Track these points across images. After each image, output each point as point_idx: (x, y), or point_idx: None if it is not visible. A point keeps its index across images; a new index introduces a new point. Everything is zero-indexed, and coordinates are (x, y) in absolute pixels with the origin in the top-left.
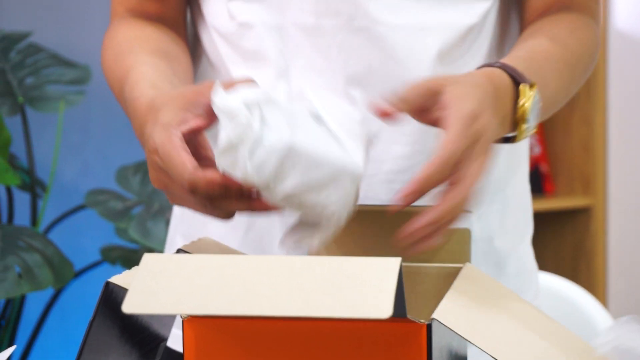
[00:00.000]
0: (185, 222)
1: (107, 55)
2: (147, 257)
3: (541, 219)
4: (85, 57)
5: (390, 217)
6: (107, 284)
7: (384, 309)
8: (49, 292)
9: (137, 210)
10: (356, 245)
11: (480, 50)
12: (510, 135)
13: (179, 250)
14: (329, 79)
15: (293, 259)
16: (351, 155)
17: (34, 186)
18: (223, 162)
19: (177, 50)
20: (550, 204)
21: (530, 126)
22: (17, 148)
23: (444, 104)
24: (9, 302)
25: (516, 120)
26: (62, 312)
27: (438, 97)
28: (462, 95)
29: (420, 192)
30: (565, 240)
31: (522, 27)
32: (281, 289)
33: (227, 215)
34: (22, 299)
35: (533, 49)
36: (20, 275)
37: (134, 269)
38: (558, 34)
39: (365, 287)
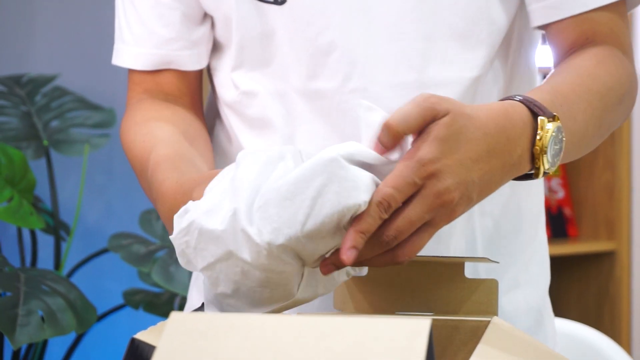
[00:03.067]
0: (200, 276)
1: (127, 136)
2: (174, 316)
3: (565, 263)
4: (110, 101)
5: (418, 266)
6: (133, 340)
7: None
8: (71, 336)
9: (160, 254)
10: (383, 296)
11: (489, 100)
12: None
13: (200, 308)
14: (334, 141)
15: (322, 319)
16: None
17: (57, 229)
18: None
19: (195, 128)
20: (573, 248)
21: (551, 162)
22: (42, 191)
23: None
24: (31, 345)
25: (534, 155)
26: (84, 355)
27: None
28: (442, 135)
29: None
30: (589, 284)
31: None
32: (310, 351)
33: None
34: (45, 342)
35: (557, 82)
36: (43, 320)
37: (160, 324)
38: (583, 65)
39: (395, 350)
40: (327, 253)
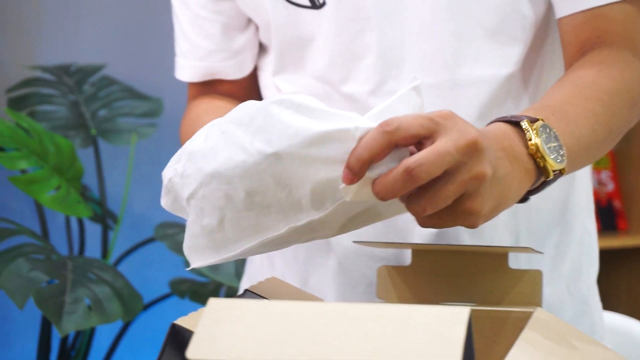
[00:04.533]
0: (252, 263)
1: (183, 129)
2: (212, 302)
3: (614, 256)
4: (157, 90)
5: (462, 256)
6: (173, 325)
7: None
8: (118, 324)
9: None
10: (426, 286)
11: (520, 99)
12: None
13: (245, 292)
14: None
15: (360, 307)
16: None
17: (105, 218)
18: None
19: None
20: (623, 241)
21: (554, 157)
22: (89, 180)
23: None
24: (78, 333)
25: (535, 159)
26: (131, 344)
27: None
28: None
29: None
30: (638, 277)
31: (566, 68)
32: (348, 338)
33: None
34: (92, 330)
35: (550, 98)
36: (90, 308)
37: (200, 310)
38: (581, 76)
39: (433, 338)
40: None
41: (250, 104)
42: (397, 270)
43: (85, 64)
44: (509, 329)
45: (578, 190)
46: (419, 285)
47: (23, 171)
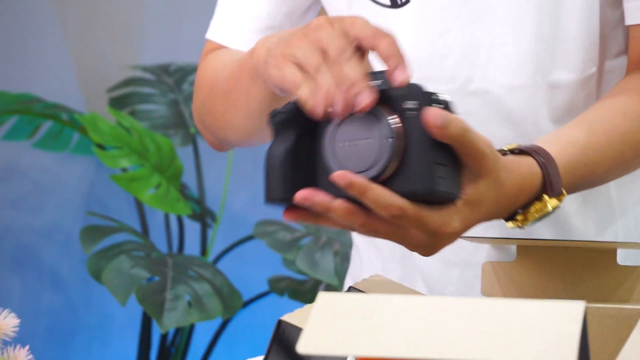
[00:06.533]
0: (355, 261)
1: (208, 73)
2: (321, 296)
3: None
4: None
5: (569, 252)
6: (280, 322)
7: (568, 357)
8: (217, 321)
9: (305, 241)
10: (532, 283)
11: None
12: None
13: (349, 289)
14: None
15: (472, 301)
16: None
17: (204, 216)
18: None
19: None
20: None
21: (529, 224)
22: (189, 178)
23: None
24: (178, 330)
25: (524, 212)
26: (230, 341)
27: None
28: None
29: None
30: None
31: (625, 73)
32: (460, 332)
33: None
34: (191, 327)
35: (594, 134)
36: (190, 305)
37: (307, 307)
38: (628, 107)
39: (548, 334)
40: None
41: None
42: (502, 266)
43: (185, 63)
44: (619, 327)
45: None
46: (524, 281)
47: (124, 169)
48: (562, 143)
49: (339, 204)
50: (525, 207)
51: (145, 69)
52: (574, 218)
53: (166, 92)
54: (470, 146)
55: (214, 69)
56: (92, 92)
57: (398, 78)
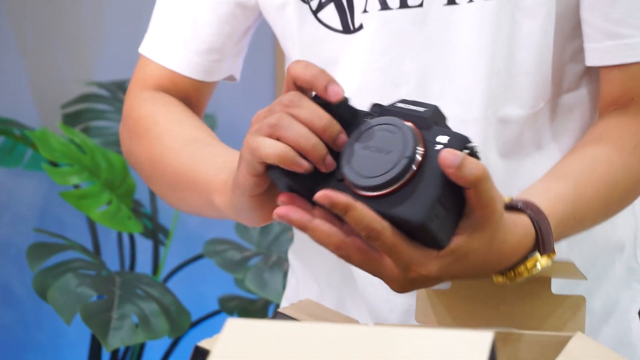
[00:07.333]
0: (291, 283)
1: (137, 129)
2: (230, 322)
3: None
4: (210, 107)
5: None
6: (197, 348)
7: None
8: (168, 340)
9: (254, 261)
10: (466, 311)
11: (543, 135)
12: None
13: (276, 314)
14: None
15: (381, 330)
16: None
17: (156, 233)
18: None
19: (207, 133)
20: None
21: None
22: (142, 195)
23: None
24: (128, 348)
25: (514, 270)
26: None
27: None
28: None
29: None
30: None
31: (599, 113)
32: None
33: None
34: (142, 345)
35: (581, 186)
36: (136, 324)
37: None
38: (614, 157)
39: None
40: None
41: None
42: (437, 294)
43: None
44: (549, 353)
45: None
46: (458, 309)
47: (76, 186)
48: (552, 199)
49: (315, 224)
50: (516, 265)
51: (100, 85)
52: None
53: (121, 109)
54: (483, 195)
55: (160, 133)
56: (46, 108)
57: (333, 95)
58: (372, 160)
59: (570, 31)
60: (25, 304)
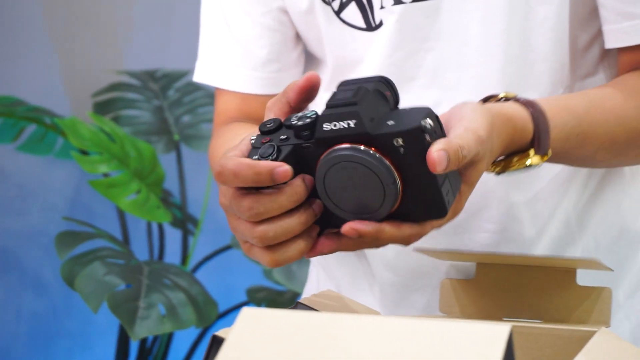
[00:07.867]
0: (311, 279)
1: (213, 155)
2: (245, 311)
3: None
4: None
5: (529, 271)
6: (214, 337)
7: None
8: (196, 330)
9: None
10: (490, 301)
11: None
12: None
13: (297, 304)
14: None
15: (398, 321)
16: None
17: (185, 223)
18: None
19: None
20: None
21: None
22: (172, 185)
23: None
24: (156, 337)
25: (505, 160)
26: None
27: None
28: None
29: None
30: None
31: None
32: (380, 352)
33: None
34: (170, 335)
35: (580, 106)
36: (164, 314)
37: None
38: (612, 99)
39: (470, 356)
40: None
41: None
42: (461, 284)
43: (172, 69)
44: (571, 349)
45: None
46: (483, 299)
47: (105, 175)
48: (559, 106)
49: (383, 227)
50: (508, 156)
51: (131, 74)
52: (534, 240)
53: (151, 98)
54: (469, 162)
55: (215, 153)
56: (77, 96)
57: (281, 178)
58: (357, 197)
59: (586, 15)
60: (55, 292)
